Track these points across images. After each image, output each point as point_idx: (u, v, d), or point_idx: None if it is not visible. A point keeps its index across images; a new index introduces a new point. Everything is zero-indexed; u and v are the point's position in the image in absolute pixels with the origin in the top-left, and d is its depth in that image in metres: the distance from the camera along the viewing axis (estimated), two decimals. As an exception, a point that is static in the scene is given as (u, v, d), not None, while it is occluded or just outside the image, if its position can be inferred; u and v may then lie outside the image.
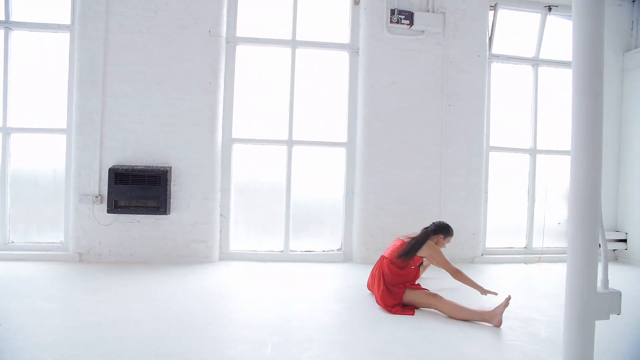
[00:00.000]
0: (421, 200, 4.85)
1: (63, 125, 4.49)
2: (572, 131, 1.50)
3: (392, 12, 4.68)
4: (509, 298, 2.83)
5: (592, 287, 1.46)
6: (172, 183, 4.43)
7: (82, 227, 4.35)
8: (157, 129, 4.46)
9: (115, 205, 4.26)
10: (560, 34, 5.28)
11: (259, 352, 2.31)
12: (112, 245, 4.38)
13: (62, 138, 4.50)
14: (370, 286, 3.52)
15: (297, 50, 4.81)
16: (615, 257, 5.16)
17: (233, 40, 4.71)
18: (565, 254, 5.14)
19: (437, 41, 4.86)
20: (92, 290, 3.37)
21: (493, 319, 2.82)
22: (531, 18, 5.16)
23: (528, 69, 5.24)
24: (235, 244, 4.76)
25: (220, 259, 4.63)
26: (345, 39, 4.92)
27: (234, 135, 4.74)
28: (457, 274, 3.23)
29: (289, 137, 4.80)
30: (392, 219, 4.78)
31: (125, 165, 4.33)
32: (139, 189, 4.27)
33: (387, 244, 4.72)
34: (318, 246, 4.92)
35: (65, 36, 4.49)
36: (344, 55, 4.92)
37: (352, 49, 4.88)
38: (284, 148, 4.81)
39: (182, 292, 3.41)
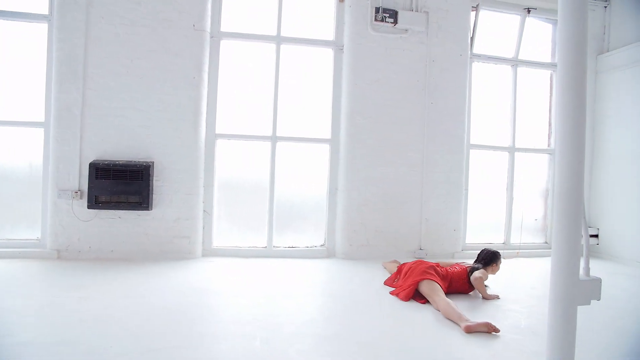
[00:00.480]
0: (403, 196, 4.93)
1: (41, 118, 4.36)
2: (557, 127, 1.57)
3: (377, 10, 4.73)
4: (491, 327, 2.68)
5: (575, 275, 1.53)
6: (154, 178, 4.37)
7: (61, 223, 4.25)
8: (140, 123, 4.38)
9: (96, 201, 4.17)
10: (539, 36, 5.45)
11: (248, 345, 2.32)
12: (92, 242, 4.29)
13: (40, 132, 4.37)
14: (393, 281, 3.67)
15: (282, 47, 4.81)
16: (599, 256, 5.38)
17: (217, 35, 4.67)
18: (541, 249, 5.35)
19: (421, 40, 4.93)
20: (72, 287, 3.30)
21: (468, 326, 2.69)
22: (511, 19, 5.30)
23: (508, 69, 5.38)
24: (218, 240, 4.73)
25: (203, 255, 4.60)
26: (330, 35, 4.95)
27: (217, 131, 4.70)
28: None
29: (273, 133, 4.80)
30: (375, 215, 4.85)
31: (106, 160, 4.24)
32: (120, 184, 4.19)
33: (370, 239, 4.82)
34: (301, 242, 4.94)
35: (43, 26, 4.36)
36: (329, 52, 4.94)
37: (336, 46, 4.91)
38: (268, 144, 4.80)
39: (166, 289, 3.37)
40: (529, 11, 5.22)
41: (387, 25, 4.79)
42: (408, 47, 4.91)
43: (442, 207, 5.01)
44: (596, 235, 5.25)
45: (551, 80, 5.58)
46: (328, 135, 4.94)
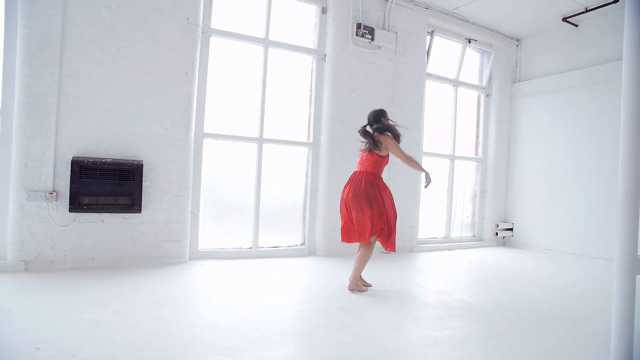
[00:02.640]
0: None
1: (-4, 104, 3.67)
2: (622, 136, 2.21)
3: (358, 25, 5.12)
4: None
5: (634, 254, 2.17)
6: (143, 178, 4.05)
7: (29, 230, 3.64)
8: (126, 117, 4.00)
9: (79, 203, 3.70)
10: (474, 63, 6.52)
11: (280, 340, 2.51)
12: (68, 250, 3.78)
13: (-6, 121, 3.68)
14: (346, 232, 3.66)
15: (269, 50, 4.86)
16: (503, 242, 6.65)
17: (207, 31, 4.51)
18: (472, 241, 6.35)
19: (390, 57, 5.49)
20: (52, 302, 2.86)
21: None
22: (455, 47, 6.24)
23: (450, 88, 6.31)
24: (204, 243, 4.58)
25: (190, 258, 4.42)
26: (312, 44, 5.17)
27: (205, 130, 4.54)
28: (410, 161, 3.63)
29: (260, 134, 4.83)
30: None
31: (91, 157, 3.78)
32: (108, 185, 3.79)
33: (348, 237, 5.18)
34: (284, 241, 5.08)
35: (-1, -5, 3.67)
36: (311, 59, 5.16)
37: (318, 54, 5.16)
38: (255, 145, 4.82)
39: (166, 295, 3.23)
40: (469, 41, 6.22)
41: (365, 41, 5.22)
42: (380, 62, 5.42)
43: (403, 207, 5.66)
44: (511, 229, 6.53)
45: (479, 100, 6.71)
46: (310, 139, 5.16)
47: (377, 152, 3.60)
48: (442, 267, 4.92)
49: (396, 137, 3.65)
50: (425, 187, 3.81)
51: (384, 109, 3.78)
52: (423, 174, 3.79)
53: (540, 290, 3.92)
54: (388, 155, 3.68)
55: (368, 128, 3.72)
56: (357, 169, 3.72)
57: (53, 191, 3.71)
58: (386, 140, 3.60)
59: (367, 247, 3.56)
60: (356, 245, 3.80)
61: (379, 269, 4.44)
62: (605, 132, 5.45)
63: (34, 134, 3.65)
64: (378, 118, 3.69)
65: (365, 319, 2.90)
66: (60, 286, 3.24)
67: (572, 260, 5.51)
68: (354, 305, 3.19)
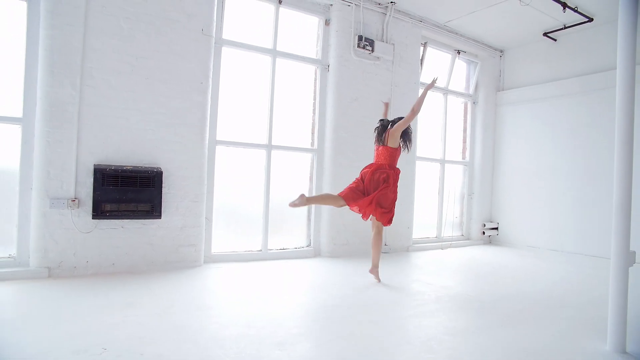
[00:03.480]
0: (373, 200, 5.72)
1: (17, 112, 3.71)
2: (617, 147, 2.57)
3: (360, 38, 5.39)
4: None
5: (627, 249, 2.53)
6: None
7: (52, 237, 3.70)
8: (144, 126, 4.11)
9: (102, 210, 3.79)
10: (462, 73, 6.92)
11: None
12: (89, 256, 3.86)
13: (15, 129, 3.71)
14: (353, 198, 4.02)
15: (277, 60, 5.06)
16: (489, 241, 7.09)
17: (219, 42, 4.66)
18: (461, 240, 6.76)
19: (388, 67, 5.80)
20: (91, 307, 2.98)
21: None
22: (445, 57, 6.62)
23: (440, 96, 6.69)
24: (217, 246, 4.73)
25: (205, 261, 4.56)
26: (315, 54, 5.41)
27: (217, 137, 4.69)
28: (417, 107, 4.05)
29: (268, 141, 5.02)
30: (353, 217, 5.48)
31: (112, 165, 3.88)
32: (129, 192, 3.90)
33: (349, 239, 5.47)
34: (291, 244, 5.28)
35: (20, 5, 3.71)
36: (315, 69, 5.40)
37: (322, 64, 5.40)
38: (264, 152, 5.01)
39: (196, 297, 3.42)
40: (458, 53, 6.61)
41: (366, 52, 5.50)
42: (379, 72, 5.72)
43: (399, 209, 5.96)
44: (496, 228, 6.97)
45: (465, 107, 7.13)
46: (315, 146, 5.40)
47: (390, 144, 4.11)
48: (439, 264, 5.26)
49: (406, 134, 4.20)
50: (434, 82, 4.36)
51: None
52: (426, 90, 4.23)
53: (534, 283, 4.31)
54: (399, 147, 4.17)
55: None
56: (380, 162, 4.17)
57: (75, 198, 3.79)
58: (394, 128, 4.08)
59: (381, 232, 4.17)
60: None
61: (382, 267, 4.71)
62: (582, 138, 5.95)
63: (55, 142, 3.72)
64: (396, 121, 4.19)
65: (385, 313, 3.16)
66: (91, 291, 3.34)
67: (554, 256, 5.98)
68: (371, 300, 3.45)
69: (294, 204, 3.82)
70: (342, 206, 4.06)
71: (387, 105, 4.63)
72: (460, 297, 3.68)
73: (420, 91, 4.39)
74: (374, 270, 4.13)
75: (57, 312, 2.85)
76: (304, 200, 3.82)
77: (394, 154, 4.15)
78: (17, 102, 3.72)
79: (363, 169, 4.20)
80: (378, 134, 4.22)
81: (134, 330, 2.57)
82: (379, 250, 4.15)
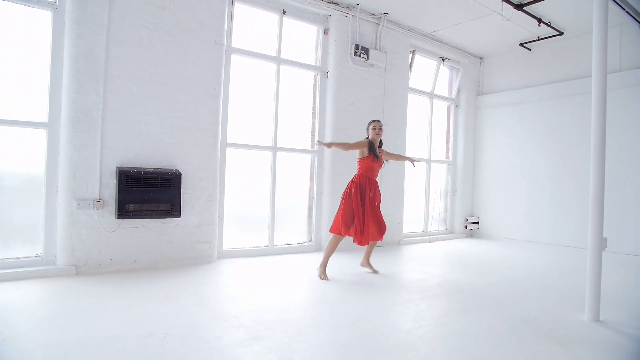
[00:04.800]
0: (368, 198, 6.13)
1: (43, 118, 3.87)
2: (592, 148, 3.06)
3: (357, 46, 5.78)
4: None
5: (601, 236, 3.03)
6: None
7: (79, 236, 3.89)
8: (162, 130, 4.35)
9: (126, 210, 4.01)
10: (444, 78, 7.44)
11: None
12: (113, 254, 4.07)
13: (41, 133, 3.88)
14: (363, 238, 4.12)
15: (281, 67, 5.37)
16: (471, 234, 7.66)
17: (229, 50, 4.93)
18: (445, 234, 7.29)
19: (380, 74, 6.22)
20: (131, 300, 3.29)
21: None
22: (431, 64, 7.11)
23: (426, 100, 7.18)
24: (227, 243, 5.01)
25: (217, 257, 4.83)
26: (314, 61, 5.75)
27: (228, 140, 4.97)
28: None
29: (274, 143, 5.33)
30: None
31: (135, 168, 4.10)
32: (151, 192, 4.13)
33: (349, 234, 5.84)
34: (294, 239, 5.62)
35: (45, 14, 3.87)
36: (316, 75, 5.75)
37: (322, 71, 5.75)
38: (269, 153, 5.32)
39: (223, 289, 3.72)
40: (443, 60, 7.12)
41: (362, 60, 5.89)
42: (373, 78, 6.13)
43: (392, 205, 6.43)
44: (477, 222, 7.55)
45: (449, 110, 7.65)
46: (315, 147, 5.75)
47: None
48: (429, 256, 5.72)
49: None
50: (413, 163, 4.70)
51: (370, 121, 4.39)
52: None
53: (517, 271, 4.83)
54: (362, 158, 4.23)
55: None
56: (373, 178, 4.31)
57: (100, 199, 3.99)
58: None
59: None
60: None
61: (379, 259, 5.14)
62: (556, 139, 6.58)
63: (81, 146, 3.91)
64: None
65: (394, 295, 3.57)
66: (126, 286, 3.57)
67: (532, 247, 6.59)
68: (378, 287, 3.86)
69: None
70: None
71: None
72: (455, 283, 4.14)
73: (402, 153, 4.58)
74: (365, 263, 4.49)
75: (103, 304, 3.08)
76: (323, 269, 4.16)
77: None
78: (42, 108, 3.88)
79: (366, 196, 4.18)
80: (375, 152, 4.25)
81: (183, 318, 2.85)
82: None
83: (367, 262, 4.51)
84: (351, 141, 4.42)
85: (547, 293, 3.85)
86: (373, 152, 4.21)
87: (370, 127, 4.30)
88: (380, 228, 4.27)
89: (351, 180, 4.26)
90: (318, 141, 4.43)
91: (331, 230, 4.22)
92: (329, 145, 4.16)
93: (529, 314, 3.17)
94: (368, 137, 4.30)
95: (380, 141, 4.38)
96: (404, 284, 4.08)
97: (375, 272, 4.46)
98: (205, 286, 3.73)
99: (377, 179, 4.39)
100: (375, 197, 4.28)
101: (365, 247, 4.47)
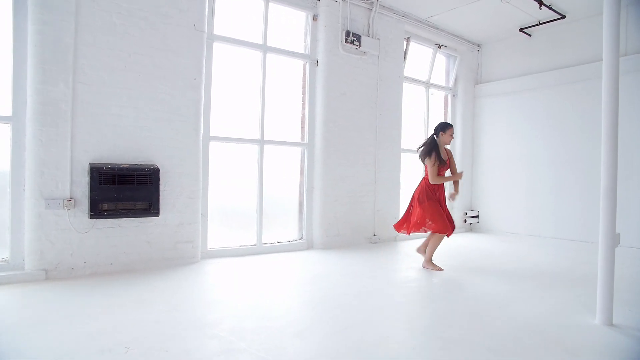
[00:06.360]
0: (362, 192, 5.86)
1: (6, 111, 3.58)
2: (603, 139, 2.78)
3: (347, 33, 5.48)
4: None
5: (614, 231, 2.75)
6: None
7: (48, 238, 3.62)
8: (139, 123, 4.06)
9: (99, 209, 3.73)
10: (441, 66, 7.14)
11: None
12: (87, 256, 3.80)
13: (5, 128, 3.59)
14: (402, 225, 4.47)
15: (267, 55, 5.07)
16: (470, 229, 7.39)
17: (211, 37, 4.63)
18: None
19: (374, 62, 5.92)
20: (102, 307, 2.99)
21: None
22: (427, 52, 6.80)
23: (422, 89, 6.88)
24: (212, 242, 4.74)
25: (202, 257, 4.56)
26: (303, 49, 5.45)
27: (211, 134, 4.68)
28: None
29: (260, 136, 5.05)
30: (344, 209, 5.65)
31: (110, 164, 3.81)
32: (127, 190, 3.86)
33: (340, 230, 5.59)
34: (284, 237, 5.35)
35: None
36: (304, 64, 5.45)
37: (311, 59, 5.45)
38: (256, 147, 5.03)
39: (202, 293, 3.45)
40: (439, 47, 6.81)
41: (353, 47, 5.59)
42: (365, 67, 5.83)
43: (387, 199, 6.16)
44: (477, 216, 7.28)
45: (446, 100, 7.36)
46: (305, 140, 5.46)
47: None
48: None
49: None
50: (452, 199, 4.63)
51: (445, 124, 4.44)
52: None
53: (519, 267, 4.56)
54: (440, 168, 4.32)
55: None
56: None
57: (71, 198, 3.71)
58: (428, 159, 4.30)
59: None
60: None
61: (372, 257, 4.88)
62: (557, 128, 6.30)
63: (49, 141, 3.62)
64: (437, 132, 4.42)
65: (387, 298, 3.30)
66: (98, 291, 3.31)
67: (534, 241, 6.33)
68: (369, 290, 3.59)
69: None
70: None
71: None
72: (454, 282, 3.88)
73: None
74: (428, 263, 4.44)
75: (68, 312, 2.82)
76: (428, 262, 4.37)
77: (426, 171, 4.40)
78: (6, 101, 3.59)
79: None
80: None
81: (152, 327, 2.59)
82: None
83: (423, 250, 4.56)
84: (432, 164, 4.29)
85: (552, 293, 3.58)
86: (440, 160, 4.29)
87: (449, 132, 4.38)
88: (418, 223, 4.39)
89: (420, 185, 4.43)
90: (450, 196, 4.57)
91: (441, 232, 4.27)
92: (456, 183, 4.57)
93: (535, 318, 2.90)
94: (435, 140, 4.37)
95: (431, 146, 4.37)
96: (399, 284, 3.81)
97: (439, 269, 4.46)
98: (184, 289, 3.47)
99: None
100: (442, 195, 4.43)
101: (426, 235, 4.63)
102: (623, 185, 5.39)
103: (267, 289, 3.54)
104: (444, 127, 4.38)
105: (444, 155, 4.37)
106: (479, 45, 7.41)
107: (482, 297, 3.43)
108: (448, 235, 4.34)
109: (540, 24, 6.26)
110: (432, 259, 4.46)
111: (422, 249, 4.58)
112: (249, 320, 2.77)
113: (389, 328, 2.71)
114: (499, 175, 7.04)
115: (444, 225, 4.22)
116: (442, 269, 4.33)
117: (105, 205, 3.78)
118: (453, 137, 4.44)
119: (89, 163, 3.78)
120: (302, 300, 3.32)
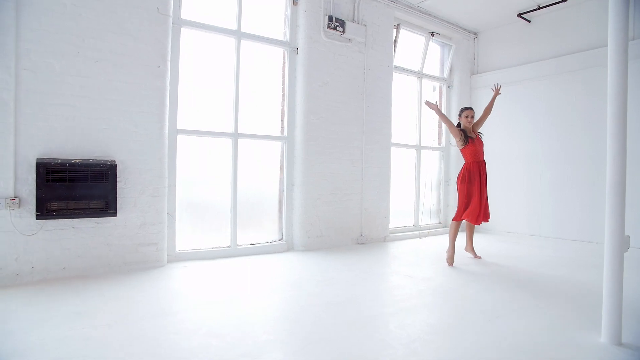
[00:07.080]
0: (348, 189, 5.48)
1: (-59, 102, 3.24)
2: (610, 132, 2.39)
3: (330, 18, 5.09)
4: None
5: (622, 235, 2.36)
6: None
7: (-11, 241, 3.29)
8: (94, 114, 3.70)
9: (47, 209, 3.39)
10: (435, 56, 6.73)
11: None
12: (35, 261, 3.46)
13: (-60, 120, 3.25)
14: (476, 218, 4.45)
15: (242, 42, 4.70)
16: (479, 230, 6.98)
17: (178, 22, 4.26)
18: (438, 228, 6.63)
19: (360, 50, 5.53)
20: (33, 321, 2.71)
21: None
22: (419, 40, 6.39)
23: (414, 80, 6.48)
24: (181, 244, 4.39)
25: (168, 261, 4.21)
26: (282, 36, 5.07)
27: (179, 126, 4.32)
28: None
29: (234, 129, 4.68)
30: (327, 208, 5.27)
31: (60, 159, 3.46)
32: (79, 188, 3.51)
33: (323, 230, 5.22)
34: (262, 238, 4.99)
35: (-60, -22, 3.22)
36: (283, 52, 5.07)
37: (290, 47, 5.07)
38: (230, 141, 4.67)
39: (155, 303, 3.11)
40: (432, 35, 6.40)
41: (337, 34, 5.21)
42: (351, 55, 5.44)
43: (376, 197, 5.77)
44: (474, 214, 6.87)
45: (440, 91, 6.95)
46: (285, 133, 5.09)
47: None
48: (418, 254, 5.07)
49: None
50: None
51: (461, 109, 4.62)
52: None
53: (518, 272, 4.16)
54: (464, 148, 4.49)
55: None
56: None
57: (15, 197, 3.36)
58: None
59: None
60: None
61: (358, 260, 4.51)
62: (558, 120, 5.88)
63: (-11, 134, 3.28)
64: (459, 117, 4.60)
65: (362, 311, 2.93)
66: (35, 301, 2.97)
67: (534, 241, 5.93)
68: (348, 297, 3.22)
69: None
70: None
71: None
72: (441, 290, 3.50)
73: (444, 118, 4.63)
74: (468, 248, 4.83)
75: (-8, 328, 2.48)
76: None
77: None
78: (-59, 89, 3.25)
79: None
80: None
81: (80, 345, 2.25)
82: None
83: (470, 248, 4.80)
84: (448, 120, 4.63)
85: (552, 304, 3.18)
86: (469, 138, 4.44)
87: (464, 114, 4.51)
88: (487, 210, 4.50)
89: (462, 168, 4.52)
90: (426, 101, 4.63)
91: (454, 219, 4.51)
92: (437, 109, 4.53)
93: (532, 336, 2.51)
94: (459, 124, 4.56)
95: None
96: (378, 292, 3.44)
97: (477, 257, 4.74)
98: (140, 298, 3.11)
99: None
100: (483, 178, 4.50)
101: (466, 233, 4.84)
102: (630, 181, 4.97)
103: (231, 298, 3.18)
104: (460, 112, 4.60)
105: (470, 133, 4.52)
106: (475, 33, 6.99)
107: (471, 308, 3.05)
108: (474, 223, 4.48)
109: (540, 8, 5.84)
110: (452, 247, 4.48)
111: (469, 246, 4.81)
112: (196, 336, 2.42)
113: (354, 346, 2.34)
114: (497, 170, 6.60)
115: (459, 213, 4.43)
116: (480, 257, 4.75)
117: (55, 205, 3.43)
118: (469, 119, 4.51)
119: (36, 158, 3.43)
120: (274, 310, 2.96)
